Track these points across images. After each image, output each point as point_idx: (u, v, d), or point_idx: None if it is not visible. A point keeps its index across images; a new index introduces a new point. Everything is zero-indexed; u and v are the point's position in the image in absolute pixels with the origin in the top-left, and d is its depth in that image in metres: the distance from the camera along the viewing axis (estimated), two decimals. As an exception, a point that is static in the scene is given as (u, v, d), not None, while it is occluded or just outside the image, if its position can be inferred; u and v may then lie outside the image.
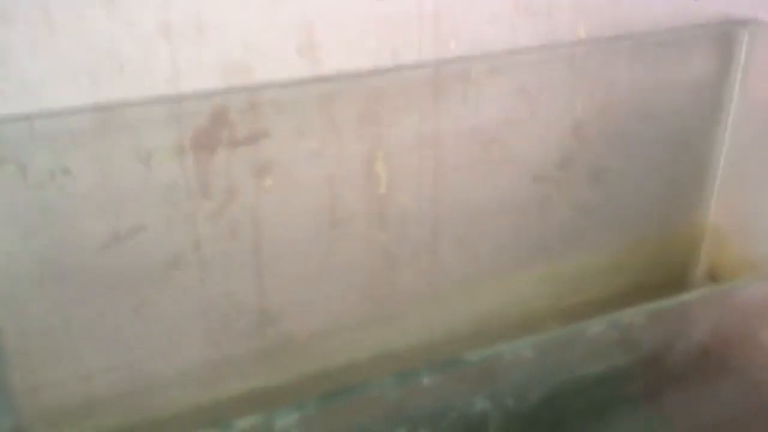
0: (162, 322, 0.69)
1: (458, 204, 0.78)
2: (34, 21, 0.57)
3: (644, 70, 0.82)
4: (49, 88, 0.59)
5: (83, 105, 0.60)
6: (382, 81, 0.70)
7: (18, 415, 0.67)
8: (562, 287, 0.89)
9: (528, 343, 0.45)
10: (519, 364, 0.44)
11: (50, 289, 0.64)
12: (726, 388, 0.58)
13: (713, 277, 0.96)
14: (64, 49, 0.58)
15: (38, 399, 0.67)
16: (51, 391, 0.67)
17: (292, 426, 0.40)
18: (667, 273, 0.96)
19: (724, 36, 0.84)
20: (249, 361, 0.75)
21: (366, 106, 0.70)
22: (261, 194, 0.69)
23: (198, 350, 0.72)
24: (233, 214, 0.68)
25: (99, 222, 0.64)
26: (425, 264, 0.80)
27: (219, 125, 0.65)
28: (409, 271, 0.79)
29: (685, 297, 0.51)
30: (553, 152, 0.81)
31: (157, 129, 0.63)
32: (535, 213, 0.84)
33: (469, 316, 0.85)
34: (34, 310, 0.64)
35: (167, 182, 0.65)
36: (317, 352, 0.78)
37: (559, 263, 0.88)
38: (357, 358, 0.81)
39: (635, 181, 0.88)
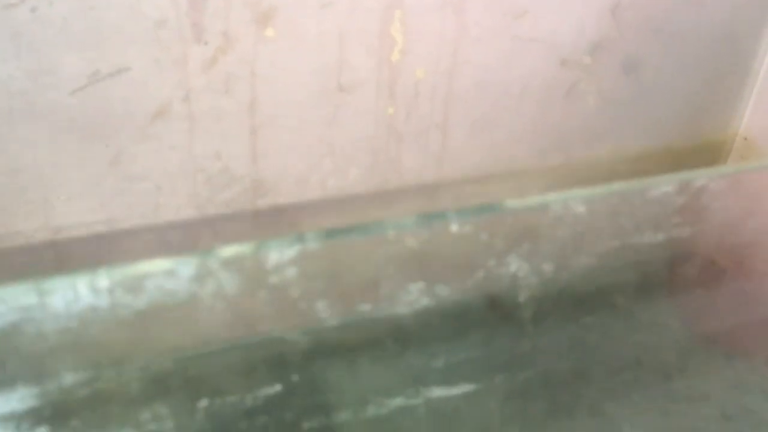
0: (142, 179, 0.63)
1: (476, 81, 0.71)
2: None
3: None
4: None
5: None
6: (408, -73, 0.62)
7: (-19, 264, 0.61)
8: (577, 185, 0.83)
9: (580, 196, 0.39)
10: (566, 222, 0.38)
11: (20, 126, 0.57)
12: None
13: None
14: None
15: (4, 247, 0.61)
16: (18, 239, 0.62)
17: (287, 263, 0.34)
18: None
19: None
20: (234, 232, 0.70)
21: (387, -45, 0.62)
22: (261, 45, 0.61)
23: (180, 213, 0.66)
24: (228, 64, 0.61)
25: (77, 56, 0.56)
26: (434, 146, 0.73)
27: (219, -42, 0.57)
28: (416, 152, 0.73)
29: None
30: (587, 34, 0.74)
31: (148, -47, 0.55)
32: (558, 101, 0.76)
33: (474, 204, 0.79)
34: (2, 148, 0.57)
35: (157, 18, 0.57)
36: (309, 229, 0.73)
37: (577, 159, 0.81)
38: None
39: (669, 79, 0.80)
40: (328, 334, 0.37)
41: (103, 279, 0.32)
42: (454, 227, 0.35)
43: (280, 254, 0.34)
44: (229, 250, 0.33)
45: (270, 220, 0.71)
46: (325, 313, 0.36)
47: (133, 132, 0.61)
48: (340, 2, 0.62)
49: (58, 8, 0.54)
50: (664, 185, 0.39)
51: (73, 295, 0.31)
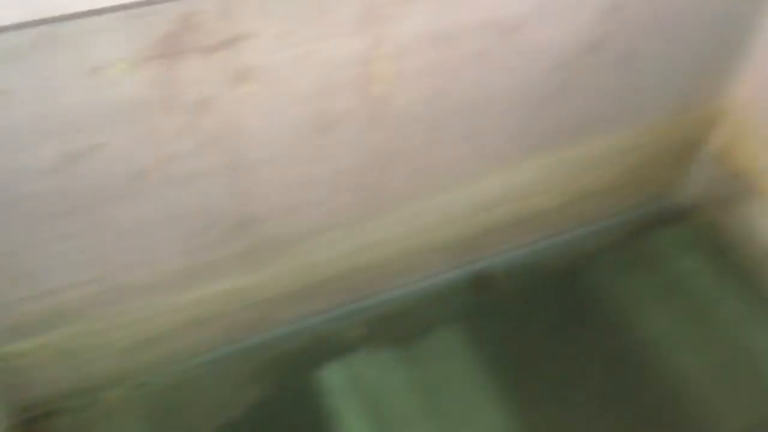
0: (129, 236, 0.63)
1: (466, 100, 0.69)
2: None
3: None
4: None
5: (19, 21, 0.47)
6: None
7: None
8: (569, 172, 0.82)
9: None
10: None
11: (2, 216, 0.56)
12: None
13: (722, 158, 0.90)
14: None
15: (9, 314, 0.62)
16: (14, 308, 0.62)
17: None
18: (677, 154, 0.90)
19: None
20: (228, 264, 0.70)
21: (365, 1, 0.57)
22: (239, 103, 0.58)
23: (174, 259, 0.67)
24: (207, 125, 0.58)
25: (49, 143, 0.54)
26: (420, 164, 0.72)
27: (187, 30, 0.52)
28: (402, 172, 0.72)
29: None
30: (581, 37, 0.70)
31: (114, 39, 0.51)
32: (551, 101, 0.74)
33: (466, 206, 0.79)
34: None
35: (126, 98, 0.54)
36: (302, 248, 0.73)
37: (570, 149, 0.80)
38: (344, 251, 0.76)
39: (660, 64, 0.77)
40: None
41: None
42: None
43: None
44: None
45: (258, 248, 0.71)
46: None
47: (117, 197, 0.60)
48: (320, 50, 0.58)
49: (26, 104, 0.51)
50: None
51: None
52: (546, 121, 0.76)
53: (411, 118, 0.67)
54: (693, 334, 0.85)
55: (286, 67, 0.58)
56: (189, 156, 0.59)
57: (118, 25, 0.50)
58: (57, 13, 0.48)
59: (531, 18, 0.65)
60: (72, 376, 0.70)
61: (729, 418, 0.77)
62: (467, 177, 0.76)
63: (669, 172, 0.93)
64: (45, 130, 0.53)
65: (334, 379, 0.77)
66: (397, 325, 0.82)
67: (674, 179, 0.94)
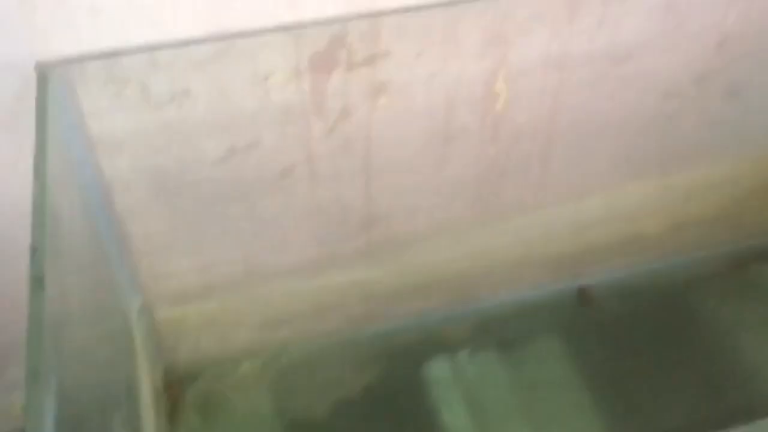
0: (273, 224, 0.73)
1: (578, 121, 0.75)
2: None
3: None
4: (169, 18, 0.57)
5: (203, 35, 0.58)
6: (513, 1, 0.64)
7: (145, 296, 0.74)
8: (675, 200, 0.87)
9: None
10: None
11: (172, 198, 0.67)
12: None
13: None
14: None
15: (162, 284, 0.73)
16: (173, 278, 0.73)
17: None
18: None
19: None
20: (353, 257, 0.79)
21: (493, 27, 0.65)
22: (373, 113, 0.67)
23: (306, 248, 0.76)
24: (346, 131, 0.68)
25: (217, 138, 0.65)
26: (533, 177, 0.78)
27: (337, 48, 0.62)
28: (517, 183, 0.78)
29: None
30: (692, 68, 0.75)
31: (276, 54, 0.61)
32: (659, 128, 0.79)
33: (570, 223, 0.85)
34: (158, 215, 0.68)
35: (283, 103, 0.64)
36: (418, 249, 0.81)
37: (675, 177, 0.84)
38: (455, 256, 0.83)
39: (772, 95, 0.81)
40: None
41: None
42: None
43: None
44: None
45: (381, 244, 0.79)
46: None
47: (266, 189, 0.69)
48: (448, 70, 0.66)
49: (201, 104, 0.62)
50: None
51: None
52: (653, 147, 0.80)
53: (527, 135, 0.74)
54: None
55: (416, 83, 0.67)
56: (328, 157, 0.69)
57: (281, 42, 0.60)
58: (234, 29, 0.59)
59: (643, 49, 0.71)
60: (212, 346, 0.81)
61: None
62: (573, 195, 0.82)
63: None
64: (215, 126, 0.64)
65: (439, 372, 0.84)
66: (500, 328, 0.88)
67: (783, 213, 0.96)
